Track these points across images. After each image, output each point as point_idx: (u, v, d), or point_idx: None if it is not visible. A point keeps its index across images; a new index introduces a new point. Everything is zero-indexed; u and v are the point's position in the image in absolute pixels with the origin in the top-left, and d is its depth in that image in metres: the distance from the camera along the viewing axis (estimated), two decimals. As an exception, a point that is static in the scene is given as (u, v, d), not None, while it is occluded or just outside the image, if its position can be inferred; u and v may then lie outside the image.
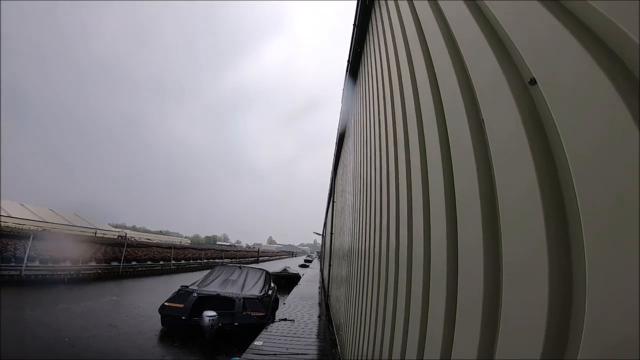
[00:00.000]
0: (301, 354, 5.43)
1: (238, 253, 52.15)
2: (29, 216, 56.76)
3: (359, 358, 3.18)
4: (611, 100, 0.61)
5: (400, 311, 1.82)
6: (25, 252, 12.42)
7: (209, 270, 11.05)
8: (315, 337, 6.63)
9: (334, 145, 9.42)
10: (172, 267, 22.73)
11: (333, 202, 10.87)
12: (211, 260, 32.77)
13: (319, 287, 15.74)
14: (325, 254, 20.21)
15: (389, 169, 2.46)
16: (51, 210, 67.09)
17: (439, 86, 1.50)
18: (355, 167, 4.99)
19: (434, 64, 1.59)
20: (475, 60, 1.16)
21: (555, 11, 0.78)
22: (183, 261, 26.85)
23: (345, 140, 7.67)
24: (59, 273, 13.40)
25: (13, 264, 12.07)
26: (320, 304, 10.71)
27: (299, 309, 9.57)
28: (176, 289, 8.66)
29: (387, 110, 2.73)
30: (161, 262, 22.57)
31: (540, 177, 0.78)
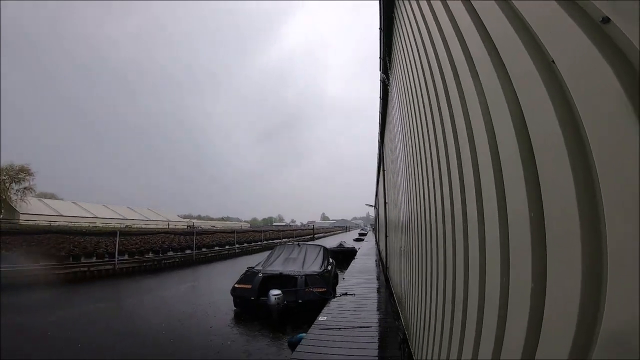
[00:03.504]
0: (365, 326, 5.60)
1: (294, 232, 54.13)
2: (110, 214, 65.32)
3: (425, 328, 3.18)
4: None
5: (474, 281, 1.63)
6: (115, 248, 14.30)
7: (270, 251, 11.57)
8: (377, 309, 6.77)
9: (378, 113, 9.05)
10: (237, 250, 24.52)
11: (383, 170, 10.56)
12: (270, 240, 34.57)
13: (376, 260, 15.90)
14: (379, 225, 20.11)
15: (444, 121, 2.20)
16: (128, 207, 76.19)
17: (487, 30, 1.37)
18: (404, 129, 4.71)
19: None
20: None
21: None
22: (245, 244, 28.79)
23: (390, 103, 7.27)
24: (144, 264, 15.11)
25: (107, 259, 14.01)
26: (378, 277, 10.84)
27: (359, 282, 9.75)
28: (243, 271, 9.24)
29: (430, 63, 2.51)
30: (227, 247, 24.49)
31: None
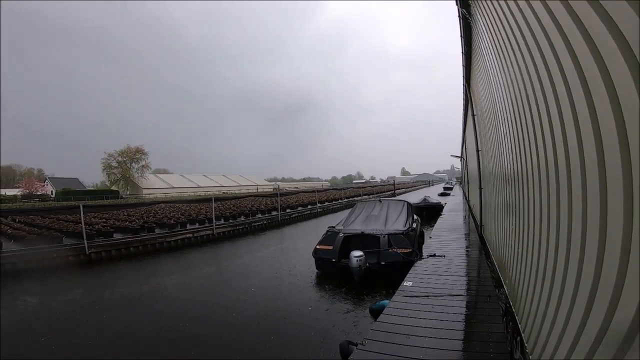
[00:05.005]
0: (457, 295, 4.93)
1: (374, 188, 53.63)
2: (209, 183, 74.50)
3: (538, 301, 2.55)
4: None
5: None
6: (212, 214, 15.95)
7: (351, 209, 11.10)
8: (470, 274, 5.95)
9: (460, 53, 7.59)
10: (319, 209, 25.28)
11: (472, 115, 9.10)
12: (351, 198, 34.80)
13: (465, 217, 14.46)
14: (469, 177, 18.17)
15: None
16: (224, 175, 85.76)
17: None
18: (504, 66, 3.79)
19: None
20: None
21: None
22: (327, 203, 29.57)
23: (475, 39, 6.07)
24: (238, 228, 16.35)
25: (207, 225, 15.76)
26: (469, 236, 9.72)
27: (448, 242, 8.86)
28: (324, 231, 9.03)
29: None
30: (309, 207, 25.49)
31: None
